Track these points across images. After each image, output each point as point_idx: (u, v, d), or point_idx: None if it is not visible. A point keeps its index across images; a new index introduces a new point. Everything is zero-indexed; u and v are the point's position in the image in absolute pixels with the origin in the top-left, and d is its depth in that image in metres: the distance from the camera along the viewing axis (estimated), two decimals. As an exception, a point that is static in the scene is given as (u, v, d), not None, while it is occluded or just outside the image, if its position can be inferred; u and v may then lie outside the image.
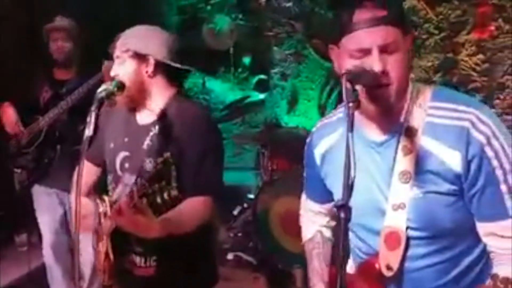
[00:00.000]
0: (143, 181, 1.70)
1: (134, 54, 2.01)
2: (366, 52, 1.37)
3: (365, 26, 1.36)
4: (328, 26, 1.48)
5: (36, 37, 3.46)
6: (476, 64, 4.27)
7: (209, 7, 5.30)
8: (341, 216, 1.14)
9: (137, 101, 2.08)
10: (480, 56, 4.24)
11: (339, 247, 1.12)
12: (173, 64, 2.05)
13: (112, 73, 2.04)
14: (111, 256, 2.00)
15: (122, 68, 2.02)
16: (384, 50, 1.36)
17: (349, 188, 1.13)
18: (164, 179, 1.67)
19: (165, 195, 1.68)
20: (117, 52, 2.05)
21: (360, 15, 1.37)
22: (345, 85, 1.25)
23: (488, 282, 1.26)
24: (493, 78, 4.23)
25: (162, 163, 1.67)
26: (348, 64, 1.39)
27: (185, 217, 1.93)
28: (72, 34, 3.34)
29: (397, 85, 1.39)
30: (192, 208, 1.95)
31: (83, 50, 3.41)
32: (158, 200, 1.69)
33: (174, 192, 1.70)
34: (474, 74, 4.29)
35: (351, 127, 1.18)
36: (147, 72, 2.03)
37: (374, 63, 1.35)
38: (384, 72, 1.36)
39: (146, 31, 2.09)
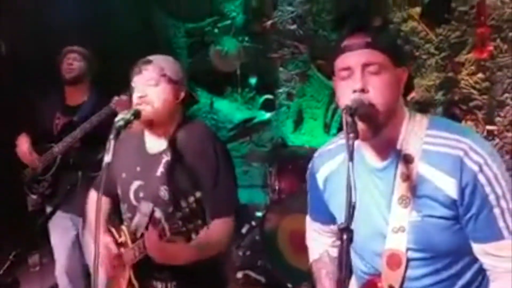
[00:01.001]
0: (175, 220, 1.73)
1: (170, 80, 2.09)
2: (351, 72, 1.46)
3: (352, 49, 1.46)
4: (329, 55, 1.60)
5: (48, 66, 3.54)
6: (476, 82, 4.32)
7: (216, 30, 5.35)
8: (344, 238, 1.21)
9: (158, 125, 2.10)
10: (480, 75, 4.29)
11: (341, 267, 1.21)
12: (193, 94, 2.18)
13: (139, 94, 2.05)
14: (136, 285, 2.04)
15: (155, 91, 2.05)
16: (366, 69, 1.44)
17: (350, 214, 1.20)
18: (199, 218, 1.70)
19: (201, 232, 1.72)
20: (150, 74, 2.06)
21: (349, 41, 1.47)
22: (346, 118, 1.33)
23: None
24: (493, 96, 4.26)
25: (195, 202, 1.70)
26: (340, 87, 1.49)
27: (213, 240, 1.96)
28: (85, 56, 3.41)
29: (382, 106, 1.44)
30: (218, 230, 1.97)
31: (95, 75, 3.48)
32: (193, 236, 1.73)
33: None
34: (475, 92, 4.33)
35: (351, 157, 1.25)
36: (177, 98, 2.12)
37: (355, 81, 1.44)
38: (365, 90, 1.43)
39: (175, 61, 2.18)
